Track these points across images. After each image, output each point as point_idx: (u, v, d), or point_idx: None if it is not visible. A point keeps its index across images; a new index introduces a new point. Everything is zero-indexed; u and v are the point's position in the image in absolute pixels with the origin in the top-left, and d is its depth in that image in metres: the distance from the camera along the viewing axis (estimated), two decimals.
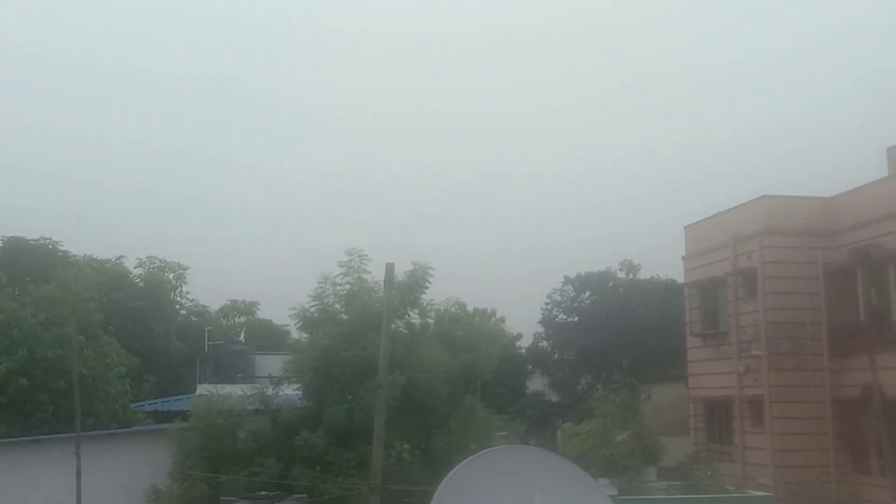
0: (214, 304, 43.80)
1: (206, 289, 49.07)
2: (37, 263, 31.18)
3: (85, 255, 34.78)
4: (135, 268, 36.73)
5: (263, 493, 11.66)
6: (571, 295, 36.93)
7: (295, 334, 20.69)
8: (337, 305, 16.88)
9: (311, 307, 16.81)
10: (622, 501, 14.89)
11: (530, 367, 37.13)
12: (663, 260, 34.97)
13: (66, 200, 63.23)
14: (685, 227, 27.08)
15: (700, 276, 25.60)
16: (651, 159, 69.44)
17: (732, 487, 17.76)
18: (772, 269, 22.43)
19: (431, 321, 17.44)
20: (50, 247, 33.36)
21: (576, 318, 36.31)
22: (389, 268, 8.99)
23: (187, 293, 39.72)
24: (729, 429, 23.91)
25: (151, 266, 37.45)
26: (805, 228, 22.25)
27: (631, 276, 36.69)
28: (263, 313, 45.82)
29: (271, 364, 28.68)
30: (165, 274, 37.73)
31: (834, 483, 20.99)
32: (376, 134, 76.65)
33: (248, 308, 45.90)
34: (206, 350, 33.22)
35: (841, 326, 21.64)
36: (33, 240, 33.23)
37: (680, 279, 28.54)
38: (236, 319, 45.24)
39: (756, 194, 23.40)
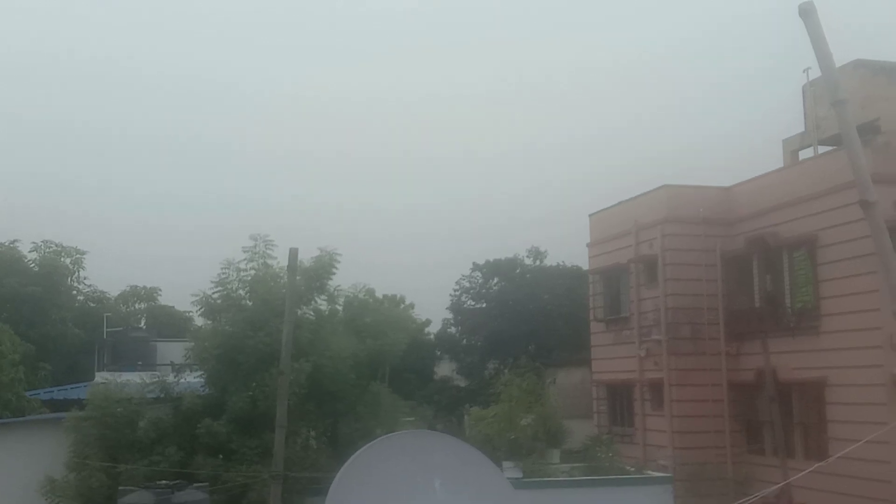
0: (114, 289, 42.63)
1: (105, 274, 47.69)
2: None
3: None
4: (29, 252, 35.40)
5: (164, 482, 11.37)
6: (480, 281, 37.25)
7: (198, 321, 20.28)
8: (241, 291, 16.55)
9: (213, 293, 16.44)
10: (526, 483, 15.11)
11: (439, 353, 37.33)
12: (569, 247, 35.66)
13: None
14: (590, 216, 27.56)
15: (604, 263, 26.11)
16: (559, 149, 70.49)
17: (633, 469, 18.18)
18: (672, 256, 23.02)
19: (339, 308, 17.30)
20: None
21: (484, 304, 36.65)
22: (293, 252, 8.87)
23: (85, 278, 38.53)
24: (630, 412, 24.52)
25: (47, 250, 36.10)
26: (704, 217, 22.90)
27: (538, 262, 37.23)
28: (165, 299, 44.77)
29: (173, 351, 28.02)
30: (62, 258, 36.43)
31: (730, 464, 21.75)
32: (283, 113, 75.64)
33: (149, 294, 44.73)
34: (104, 337, 32.28)
35: (737, 312, 22.39)
36: None
37: (585, 266, 29.06)
38: (136, 306, 44.07)
39: (658, 184, 23.98)
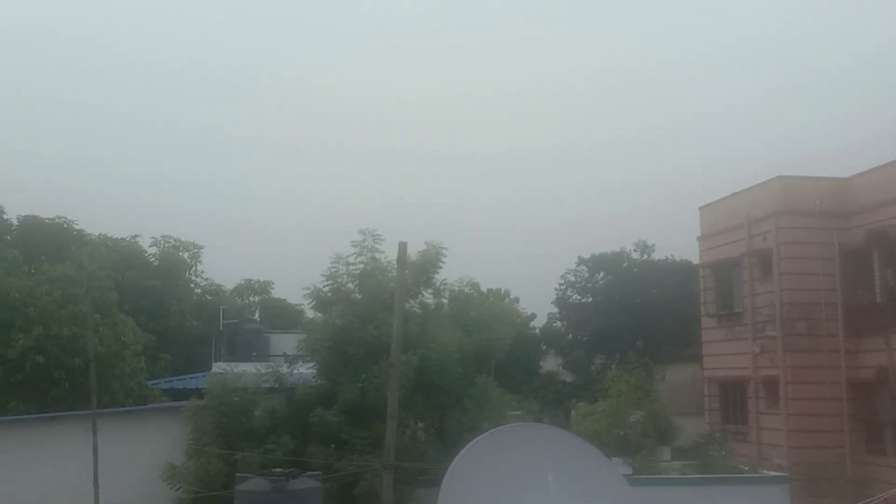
0: (229, 283, 43.97)
1: (221, 268, 49.29)
2: (52, 242, 31.30)
3: (100, 234, 34.89)
4: (150, 247, 36.87)
5: (278, 470, 11.66)
6: (585, 276, 36.93)
7: (309, 314, 20.73)
8: (350, 285, 16.87)
9: (324, 287, 16.80)
10: (637, 480, 14.89)
11: (544, 348, 37.18)
12: (678, 241, 34.98)
13: (81, 181, 63.45)
14: (700, 208, 26.93)
15: (715, 257, 25.48)
16: (665, 139, 69.05)
17: (747, 468, 17.72)
18: (787, 249, 22.29)
19: (445, 301, 17.42)
20: (65, 226, 33.45)
21: (590, 299, 36.32)
22: (402, 247, 8.94)
23: (202, 272, 39.87)
24: (744, 409, 23.86)
25: (166, 245, 37.55)
26: (820, 209, 22.09)
27: (645, 256, 36.65)
28: (277, 292, 46.02)
29: (285, 343, 28.74)
30: (180, 253, 37.81)
31: (848, 464, 20.94)
32: (389, 114, 76.52)
33: (263, 287, 46.02)
34: (220, 329, 33.34)
35: (856, 307, 21.52)
36: (48, 219, 33.34)
37: (695, 260, 28.44)
38: (251, 298, 45.38)
39: (771, 175, 23.27)
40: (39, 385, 20.47)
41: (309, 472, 11.75)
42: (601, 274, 36.60)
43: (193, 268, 38.65)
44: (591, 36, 75.22)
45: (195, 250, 38.55)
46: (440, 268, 16.89)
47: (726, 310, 24.97)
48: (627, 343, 33.47)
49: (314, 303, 17.07)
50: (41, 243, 30.95)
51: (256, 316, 42.27)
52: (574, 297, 37.04)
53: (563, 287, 37.11)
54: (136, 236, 36.26)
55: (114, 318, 22.77)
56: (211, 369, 27.37)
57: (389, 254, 16.93)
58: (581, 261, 36.96)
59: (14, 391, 20.27)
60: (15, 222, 33.38)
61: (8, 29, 67.94)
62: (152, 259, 35.60)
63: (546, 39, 75.23)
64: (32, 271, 24.75)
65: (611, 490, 6.12)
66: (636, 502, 6.34)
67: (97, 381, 15.77)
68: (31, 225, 32.80)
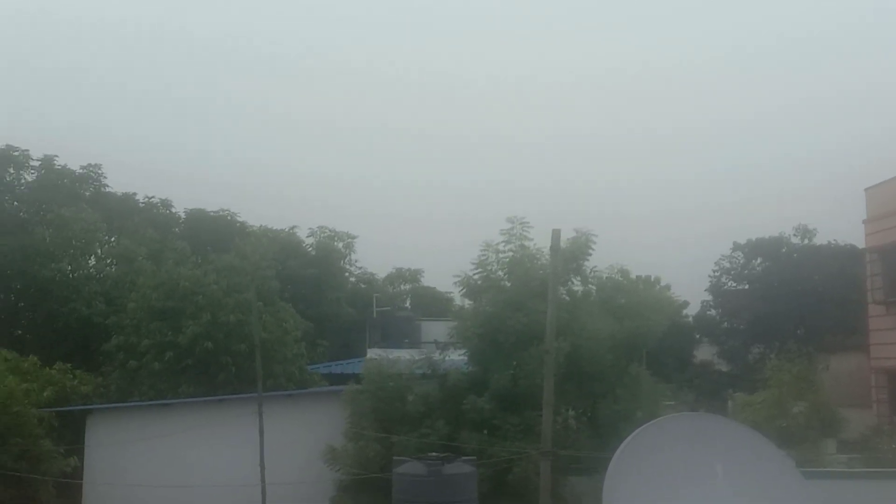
0: (381, 272, 45.04)
1: (374, 258, 50.51)
2: (217, 234, 33.01)
3: (260, 226, 36.48)
4: (307, 237, 38.22)
5: (434, 454, 11.94)
6: (741, 262, 35.79)
7: (458, 301, 21.00)
8: (500, 273, 16.99)
9: (474, 274, 17.00)
10: (810, 473, 14.31)
11: (697, 336, 36.26)
12: (841, 224, 33.30)
13: (242, 176, 66.44)
14: (866, 190, 25.59)
15: (883, 241, 24.17)
16: (824, 114, 65.72)
17: None
18: None
19: (593, 288, 17.29)
20: (228, 218, 35.22)
21: (746, 286, 35.17)
22: (556, 234, 8.97)
23: (356, 261, 40.99)
24: None
25: (322, 235, 38.80)
26: None
27: (806, 241, 35.11)
28: (427, 281, 46.84)
29: (436, 330, 29.21)
30: (335, 243, 39.02)
31: None
32: (535, 100, 76.22)
33: (413, 276, 46.94)
34: (374, 316, 34.23)
35: None
36: (213, 212, 35.19)
37: (860, 244, 27.06)
38: (402, 287, 46.38)
39: None
40: (208, 369, 21.58)
41: (463, 457, 11.97)
42: (758, 260, 35.34)
43: (347, 257, 39.80)
44: (730, 7, 72.42)
45: (349, 240, 39.68)
46: (590, 255, 16.78)
47: (895, 296, 23.65)
48: (787, 332, 32.19)
49: (464, 290, 17.29)
50: (207, 235, 32.69)
51: (407, 304, 43.16)
52: (729, 283, 35.96)
53: (717, 274, 36.08)
54: (293, 227, 37.71)
55: (275, 306, 23.77)
56: (365, 355, 28.19)
57: (538, 241, 16.97)
58: (736, 246, 35.79)
59: (185, 375, 21.47)
60: (182, 215, 35.41)
61: (194, 34, 71.89)
62: (309, 249, 36.89)
63: (693, 12, 72.96)
64: (199, 261, 26.13)
65: (784, 482, 5.87)
66: (811, 496, 6.06)
67: (262, 365, 16.56)
68: (198, 218, 34.70)
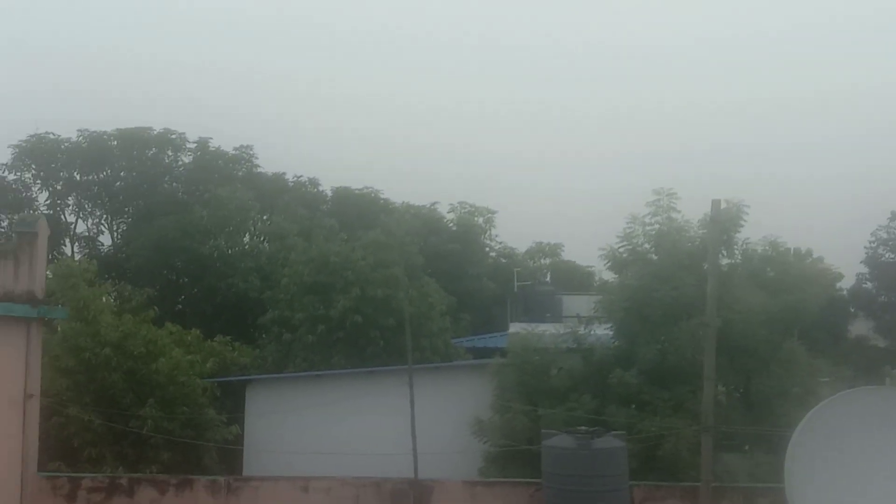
0: (522, 246, 45.02)
1: (513, 232, 50.49)
2: (362, 210, 33.90)
3: (403, 202, 37.16)
4: (447, 213, 38.65)
5: (583, 428, 11.97)
6: None
7: (603, 275, 20.86)
8: (646, 245, 16.77)
9: (619, 248, 16.84)
10: None
11: (853, 310, 34.69)
12: None
13: (383, 154, 67.70)
14: None
15: None
16: None
17: None
18: None
19: (740, 261, 16.83)
20: (372, 195, 36.08)
21: None
22: (715, 204, 8.80)
23: (496, 236, 41.17)
24: None
25: (463, 211, 39.15)
26: None
27: None
28: (567, 255, 46.52)
29: (577, 304, 29.08)
30: (475, 218, 39.29)
31: None
32: (670, 69, 74.16)
33: (553, 250, 46.72)
34: (515, 290, 34.36)
35: None
36: (358, 189, 36.10)
37: None
38: (542, 261, 46.25)
39: None
40: (357, 342, 22.26)
41: (613, 432, 11.94)
42: None
43: (488, 232, 40.03)
44: None
45: (489, 215, 39.89)
46: (741, 227, 16.32)
47: None
48: None
49: (609, 264, 17.16)
50: (352, 212, 33.60)
51: (548, 278, 43.02)
52: (887, 255, 34.20)
53: (873, 245, 34.38)
54: (434, 203, 38.20)
55: (420, 281, 24.23)
56: (507, 329, 28.35)
57: (686, 212, 16.66)
58: (894, 216, 33.99)
59: (336, 347, 22.22)
60: (329, 193, 36.49)
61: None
62: (450, 225, 37.30)
63: None
64: (347, 238, 26.93)
65: None
66: None
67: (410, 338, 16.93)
68: (344, 195, 35.71)
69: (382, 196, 36.30)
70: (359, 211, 33.78)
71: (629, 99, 75.03)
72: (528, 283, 35.54)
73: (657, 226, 16.66)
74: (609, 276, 18.66)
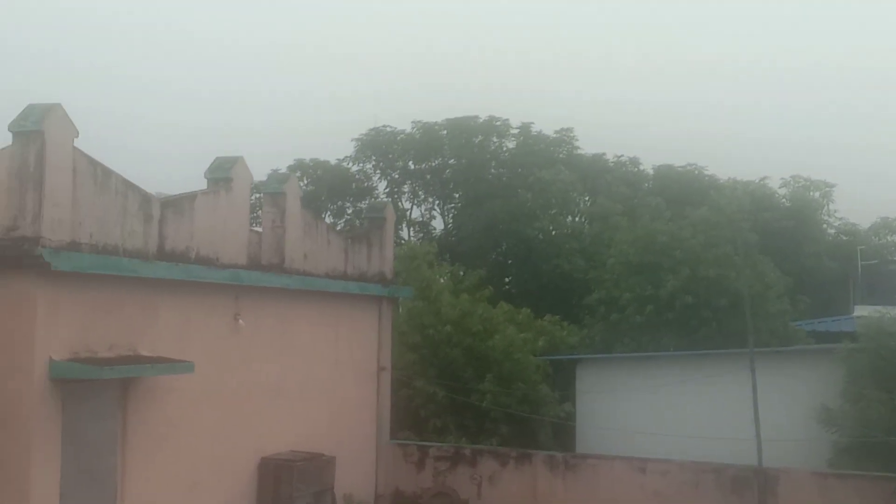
0: (865, 222, 41.15)
1: (856, 207, 46.25)
2: (685, 188, 32.87)
3: (728, 178, 35.47)
4: (779, 188, 36.38)
5: None
6: None
7: None
8: None
9: None
10: None
11: None
12: None
13: (705, 128, 65.15)
14: None
15: None
16: None
17: None
18: None
19: None
20: (696, 172, 34.84)
21: None
22: None
23: (836, 211, 38.05)
24: None
25: (796, 185, 36.69)
26: None
27: None
28: None
29: None
30: (811, 193, 36.66)
31: None
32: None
33: None
34: (858, 270, 31.65)
35: None
36: (680, 166, 35.04)
37: None
38: (890, 238, 42.00)
39: None
40: (689, 323, 21.63)
41: None
42: None
43: (825, 207, 37.16)
44: None
45: (826, 189, 37.01)
46: None
47: None
48: None
49: None
50: (675, 190, 32.70)
51: None
52: None
53: None
54: (764, 178, 36.11)
55: (754, 260, 23.02)
56: (851, 312, 26.11)
57: None
58: None
59: (666, 328, 21.74)
60: (651, 172, 35.79)
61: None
62: (783, 200, 35.09)
63: None
64: (671, 217, 26.23)
65: None
66: None
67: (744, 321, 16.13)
68: (666, 173, 34.85)
69: (707, 172, 34.99)
70: (682, 188, 32.84)
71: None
72: (874, 261, 32.57)
73: None
74: None
